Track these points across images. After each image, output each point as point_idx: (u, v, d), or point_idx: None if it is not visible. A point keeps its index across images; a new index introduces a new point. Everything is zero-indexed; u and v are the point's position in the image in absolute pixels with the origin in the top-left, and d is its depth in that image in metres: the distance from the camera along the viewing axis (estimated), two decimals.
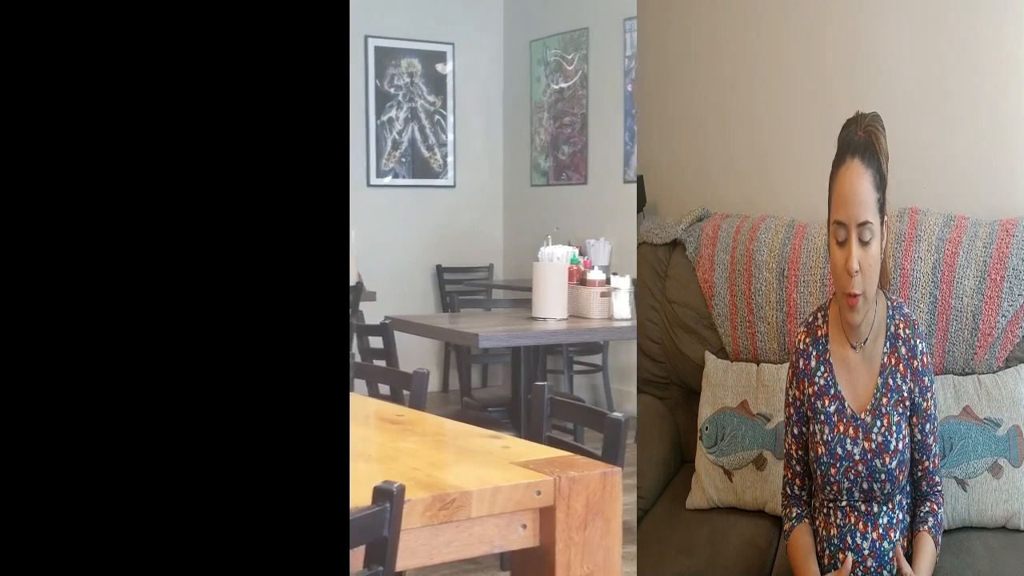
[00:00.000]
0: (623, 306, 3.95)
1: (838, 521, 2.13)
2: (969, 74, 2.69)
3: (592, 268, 4.15)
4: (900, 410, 2.11)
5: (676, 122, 3.15)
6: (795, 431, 2.20)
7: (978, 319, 2.50)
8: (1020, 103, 2.65)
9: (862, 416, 2.11)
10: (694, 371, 2.85)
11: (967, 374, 2.51)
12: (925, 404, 2.13)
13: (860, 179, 2.03)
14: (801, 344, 2.19)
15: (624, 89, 6.14)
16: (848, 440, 2.10)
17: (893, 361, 2.12)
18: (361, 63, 6.84)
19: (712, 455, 2.66)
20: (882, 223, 2.06)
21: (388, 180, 6.97)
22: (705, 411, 2.72)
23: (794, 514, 2.22)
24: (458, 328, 3.89)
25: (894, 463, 2.09)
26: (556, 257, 4.02)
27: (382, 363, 3.94)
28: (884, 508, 2.12)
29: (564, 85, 6.70)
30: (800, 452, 2.20)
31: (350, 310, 5.49)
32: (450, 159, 7.13)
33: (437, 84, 7.09)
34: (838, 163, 2.07)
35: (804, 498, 2.23)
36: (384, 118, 6.92)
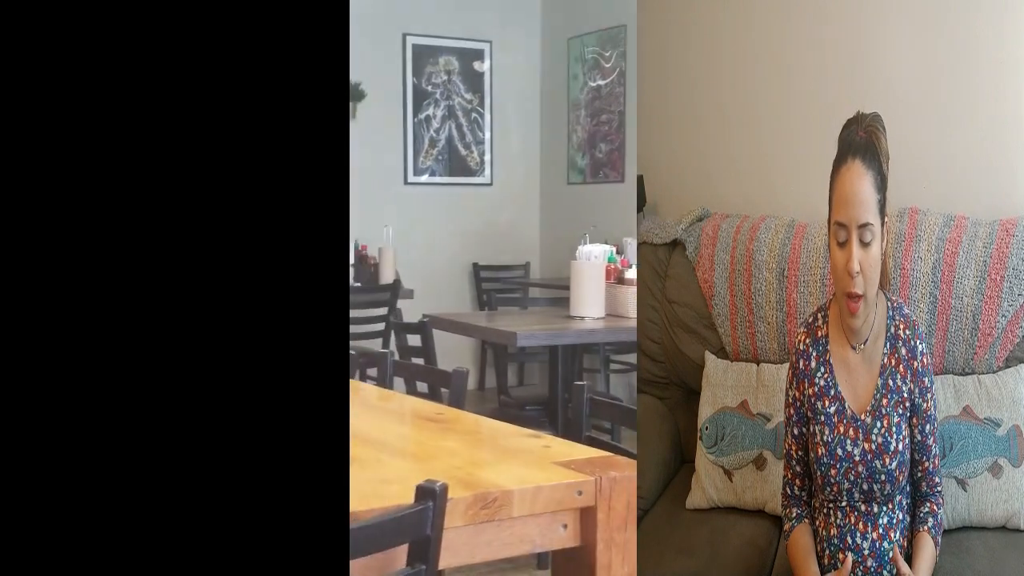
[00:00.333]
0: None
1: (838, 521, 2.13)
2: (969, 74, 2.69)
3: (630, 267, 4.14)
4: (900, 411, 2.11)
5: (676, 122, 3.15)
6: (795, 431, 2.20)
7: (978, 319, 2.50)
8: (1020, 103, 2.65)
9: (862, 417, 2.11)
10: (694, 371, 2.85)
11: (967, 374, 2.52)
12: (925, 405, 2.13)
13: (861, 180, 2.02)
14: (801, 344, 2.19)
15: None
16: (848, 441, 2.10)
17: (893, 362, 2.12)
18: (399, 61, 6.84)
19: (712, 455, 2.66)
20: (883, 224, 2.06)
21: (425, 178, 6.98)
22: (705, 411, 2.72)
23: (794, 514, 2.22)
24: (496, 327, 3.90)
25: (894, 464, 2.09)
26: (593, 255, 4.01)
27: (419, 361, 3.96)
28: (884, 508, 2.12)
29: (602, 82, 6.68)
30: (800, 452, 2.21)
31: (388, 307, 5.51)
32: (487, 157, 7.14)
33: (474, 82, 7.09)
34: (839, 164, 2.07)
35: (804, 498, 2.23)
36: (421, 116, 6.93)
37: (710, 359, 2.79)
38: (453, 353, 6.23)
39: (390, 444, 2.13)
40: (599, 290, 3.99)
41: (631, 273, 4.03)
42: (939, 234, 2.57)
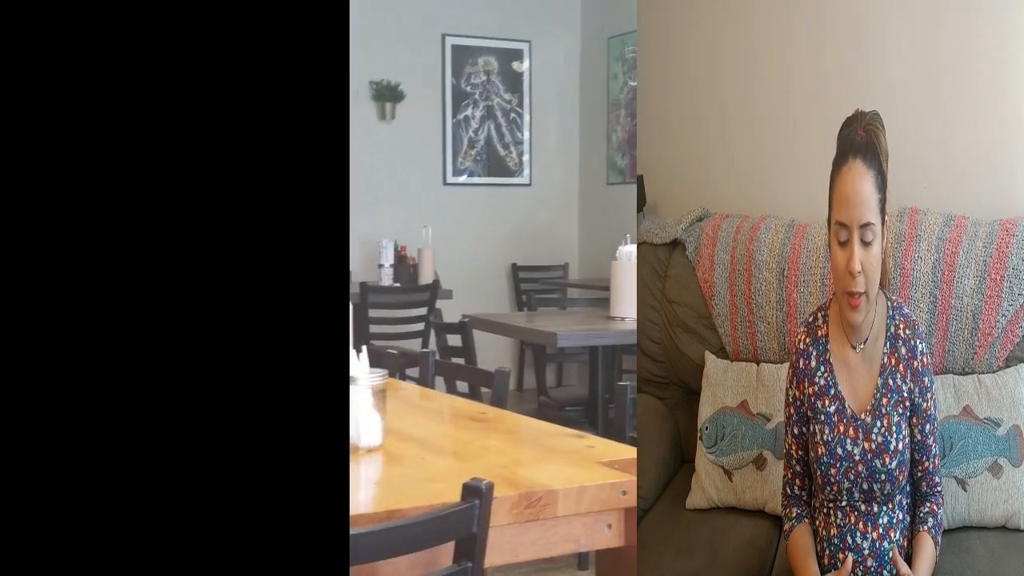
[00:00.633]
0: None
1: (838, 521, 2.13)
2: (969, 74, 2.69)
3: None
4: (900, 410, 2.11)
5: (676, 122, 3.15)
6: (795, 431, 2.20)
7: (978, 319, 2.50)
8: (1020, 103, 2.65)
9: (862, 416, 2.11)
10: (694, 371, 2.85)
11: (967, 374, 2.51)
12: (925, 404, 2.13)
13: (862, 180, 2.02)
14: (801, 344, 2.19)
15: None
16: (848, 440, 2.10)
17: (893, 361, 2.12)
18: (438, 61, 6.84)
19: (712, 455, 2.66)
20: (883, 223, 2.06)
21: (464, 179, 6.98)
22: (705, 411, 2.72)
23: (794, 514, 2.22)
24: (536, 327, 3.90)
25: (894, 463, 2.09)
26: (634, 256, 4.00)
27: (458, 361, 3.97)
28: (884, 508, 2.12)
29: None
30: (800, 452, 2.20)
31: (427, 308, 5.52)
32: (526, 157, 7.13)
33: (513, 82, 7.09)
34: (839, 163, 2.06)
35: (804, 498, 2.23)
36: (460, 116, 6.93)
37: (710, 359, 2.79)
38: (491, 353, 6.23)
39: (433, 443, 2.14)
40: None
41: None
42: (939, 234, 2.57)
